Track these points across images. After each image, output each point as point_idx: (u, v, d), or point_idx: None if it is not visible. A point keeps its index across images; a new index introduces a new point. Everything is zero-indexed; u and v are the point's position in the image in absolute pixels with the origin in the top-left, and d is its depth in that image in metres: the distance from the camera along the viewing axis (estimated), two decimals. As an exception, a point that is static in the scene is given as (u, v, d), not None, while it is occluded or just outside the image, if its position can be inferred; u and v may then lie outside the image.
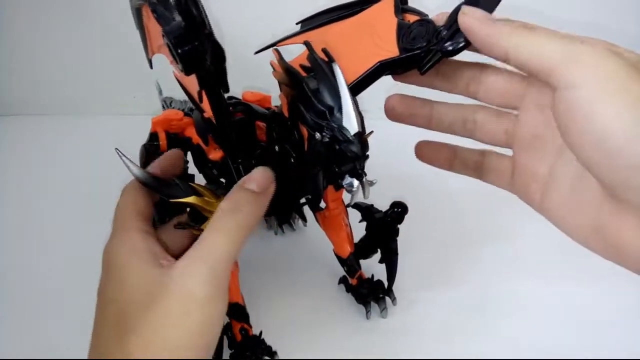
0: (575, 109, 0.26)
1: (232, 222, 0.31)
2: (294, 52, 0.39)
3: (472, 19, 0.30)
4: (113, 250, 0.31)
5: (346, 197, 0.47)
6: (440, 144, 0.37)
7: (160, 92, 0.62)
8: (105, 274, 0.31)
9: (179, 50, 0.27)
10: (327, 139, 0.31)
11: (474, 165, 0.36)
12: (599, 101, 0.25)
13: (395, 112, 0.37)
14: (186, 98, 0.57)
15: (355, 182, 0.31)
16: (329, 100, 0.31)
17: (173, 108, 0.55)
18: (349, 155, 0.30)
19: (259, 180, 0.33)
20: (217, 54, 0.28)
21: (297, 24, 0.43)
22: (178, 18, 0.30)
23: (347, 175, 0.31)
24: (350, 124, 0.30)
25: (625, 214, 0.26)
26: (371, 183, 0.32)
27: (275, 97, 0.46)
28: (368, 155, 0.31)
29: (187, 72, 0.28)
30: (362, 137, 0.30)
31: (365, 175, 0.31)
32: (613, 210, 0.27)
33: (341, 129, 0.30)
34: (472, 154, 0.36)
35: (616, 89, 0.25)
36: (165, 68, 0.44)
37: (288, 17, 0.43)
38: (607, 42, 0.28)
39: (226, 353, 0.42)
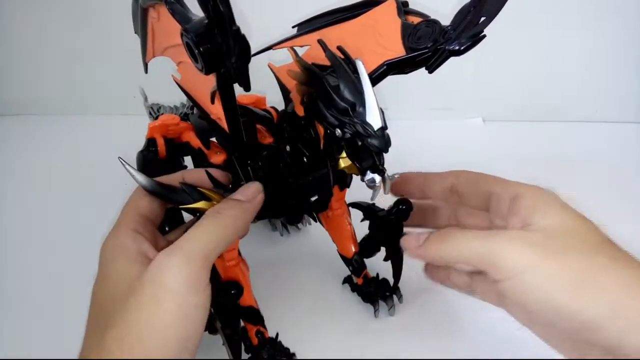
0: (512, 295, 0.30)
1: (212, 221, 0.32)
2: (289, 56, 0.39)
3: (412, 253, 0.37)
4: (103, 248, 0.32)
5: (348, 197, 0.48)
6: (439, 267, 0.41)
7: (146, 99, 0.62)
8: (97, 271, 0.32)
9: (201, 49, 0.27)
10: (348, 135, 0.31)
11: (466, 285, 0.39)
12: (527, 289, 0.29)
13: None
14: (176, 104, 0.57)
15: (378, 178, 0.31)
16: (350, 96, 0.31)
17: (162, 114, 0.55)
18: (372, 150, 0.30)
19: (245, 191, 0.35)
20: (244, 52, 0.27)
21: (293, 27, 0.43)
22: (195, 17, 0.30)
23: (368, 172, 0.31)
24: (374, 119, 0.30)
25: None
26: (392, 178, 0.32)
27: (273, 100, 0.46)
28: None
29: (207, 72, 0.28)
30: (384, 132, 0.30)
31: (386, 170, 0.31)
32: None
33: (364, 124, 0.30)
34: (462, 276, 0.39)
35: (535, 274, 0.29)
36: (157, 75, 0.44)
37: (284, 20, 0.43)
38: (536, 208, 0.32)
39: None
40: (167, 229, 0.40)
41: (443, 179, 0.40)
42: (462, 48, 0.31)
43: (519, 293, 0.30)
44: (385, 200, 0.42)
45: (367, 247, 0.48)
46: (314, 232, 0.60)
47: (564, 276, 0.28)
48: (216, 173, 0.38)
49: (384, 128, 0.30)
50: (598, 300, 0.28)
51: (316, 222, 0.50)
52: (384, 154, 0.31)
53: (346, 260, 0.49)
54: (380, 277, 0.50)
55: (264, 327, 0.42)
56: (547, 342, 0.32)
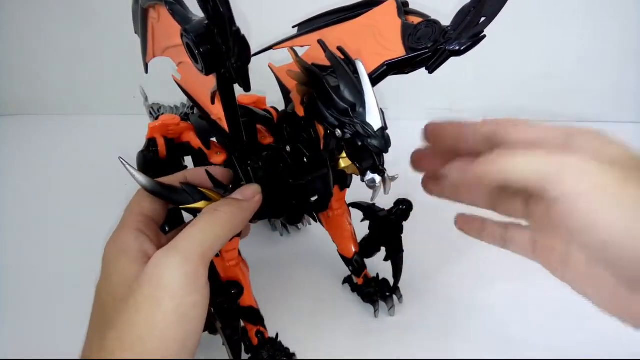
0: (574, 219, 0.28)
1: (209, 218, 0.32)
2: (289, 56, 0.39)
3: (458, 169, 0.33)
4: (106, 249, 0.32)
5: (348, 197, 0.48)
6: (473, 217, 0.39)
7: (146, 99, 0.62)
8: (101, 271, 0.32)
9: (201, 49, 0.27)
10: (348, 136, 0.31)
11: (500, 237, 0.38)
12: (595, 213, 0.27)
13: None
14: (176, 104, 0.57)
15: (378, 178, 0.31)
16: (350, 97, 0.31)
17: (163, 114, 0.55)
18: (372, 151, 0.30)
19: (243, 191, 0.35)
20: (243, 52, 0.27)
21: (293, 27, 0.43)
22: (195, 17, 0.30)
23: (368, 172, 0.31)
24: (374, 120, 0.30)
25: None
26: (393, 178, 0.32)
27: (273, 100, 0.46)
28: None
29: (207, 72, 0.28)
30: (384, 132, 0.30)
31: (386, 170, 0.31)
32: (633, 290, 0.28)
33: (364, 124, 0.30)
34: (497, 227, 0.38)
35: (609, 199, 0.26)
36: (157, 75, 0.44)
37: (284, 20, 0.43)
38: (594, 144, 0.30)
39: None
40: (167, 229, 0.40)
41: (482, 125, 0.37)
42: (462, 48, 0.31)
43: (587, 214, 0.27)
44: (385, 200, 0.42)
45: (367, 247, 0.48)
46: (314, 232, 0.60)
47: None
48: (218, 171, 0.38)
49: (384, 128, 0.30)
50: None
51: (316, 222, 0.50)
52: (384, 154, 0.31)
53: (346, 261, 0.49)
54: (380, 277, 0.50)
55: (264, 327, 0.42)
56: (589, 293, 0.31)
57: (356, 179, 0.39)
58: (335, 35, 0.38)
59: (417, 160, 0.40)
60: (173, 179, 0.36)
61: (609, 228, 0.26)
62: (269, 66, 0.43)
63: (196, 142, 0.46)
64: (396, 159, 0.40)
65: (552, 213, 0.29)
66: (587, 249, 0.29)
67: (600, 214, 0.26)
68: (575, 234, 0.28)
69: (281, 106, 0.44)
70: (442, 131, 0.39)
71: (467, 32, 0.31)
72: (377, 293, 0.49)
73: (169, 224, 0.40)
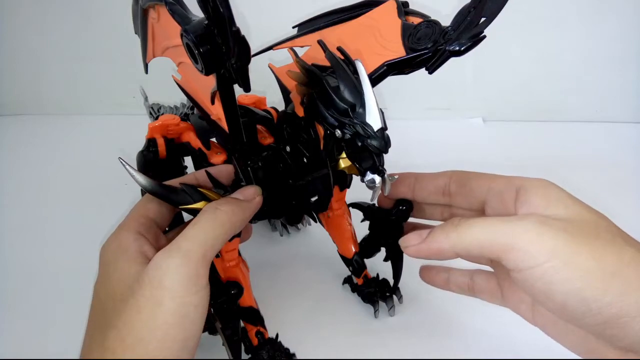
0: (533, 286, 0.28)
1: (209, 218, 0.32)
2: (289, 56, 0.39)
3: (413, 249, 0.33)
4: (104, 249, 0.33)
5: (348, 197, 0.48)
6: (438, 268, 0.40)
7: (146, 99, 0.62)
8: (98, 271, 0.32)
9: (201, 49, 0.27)
10: (348, 136, 0.31)
11: (467, 287, 0.38)
12: (551, 281, 0.27)
13: None
14: (176, 104, 0.57)
15: (377, 179, 0.31)
16: (350, 97, 0.31)
17: (163, 114, 0.55)
18: (372, 151, 0.30)
19: (244, 192, 0.36)
20: (243, 53, 0.27)
21: (293, 27, 0.43)
22: (195, 17, 0.30)
23: (368, 172, 0.31)
24: (374, 120, 0.30)
25: (608, 346, 0.28)
26: (392, 178, 0.32)
27: (273, 100, 0.46)
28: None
29: (207, 72, 0.28)
30: (384, 132, 0.30)
31: (386, 171, 0.31)
32: (603, 340, 0.28)
33: (364, 125, 0.30)
34: (463, 277, 0.38)
35: (562, 265, 0.27)
36: (157, 75, 0.44)
37: (284, 21, 0.43)
38: (543, 197, 0.30)
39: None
40: (167, 228, 0.40)
41: (435, 178, 0.38)
42: (462, 49, 0.31)
43: (542, 283, 0.28)
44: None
45: (367, 248, 0.48)
46: (314, 232, 0.60)
47: (595, 266, 0.26)
48: (223, 168, 0.38)
49: (383, 129, 0.30)
50: (627, 295, 0.26)
51: (316, 222, 0.50)
52: (384, 154, 0.31)
53: (346, 261, 0.49)
54: (380, 278, 0.50)
55: (264, 327, 0.42)
56: (559, 339, 0.32)
57: (356, 179, 0.39)
58: (335, 36, 0.39)
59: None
60: (185, 180, 0.36)
61: (566, 293, 0.27)
62: (269, 66, 0.43)
63: (196, 143, 0.46)
64: (396, 159, 0.40)
65: (512, 276, 0.29)
66: (549, 309, 0.30)
67: (555, 282, 0.27)
68: (536, 297, 0.29)
69: (281, 106, 0.44)
70: (398, 182, 0.40)
71: (467, 32, 0.31)
72: (377, 293, 0.49)
73: (169, 224, 0.40)
